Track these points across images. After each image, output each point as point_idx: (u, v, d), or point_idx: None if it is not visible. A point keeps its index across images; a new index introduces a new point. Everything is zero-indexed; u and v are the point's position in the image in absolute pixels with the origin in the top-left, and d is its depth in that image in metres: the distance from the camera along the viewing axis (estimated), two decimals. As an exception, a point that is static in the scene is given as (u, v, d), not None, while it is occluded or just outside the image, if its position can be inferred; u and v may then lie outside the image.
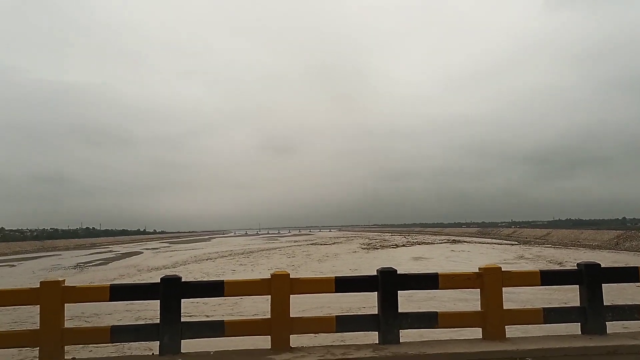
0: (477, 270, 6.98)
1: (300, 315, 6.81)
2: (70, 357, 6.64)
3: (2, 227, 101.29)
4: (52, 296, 6.20)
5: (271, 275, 6.62)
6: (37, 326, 6.23)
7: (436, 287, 6.90)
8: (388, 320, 6.63)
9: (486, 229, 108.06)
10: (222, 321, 6.62)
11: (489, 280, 6.80)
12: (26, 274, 31.44)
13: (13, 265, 40.64)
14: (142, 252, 58.59)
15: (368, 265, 28.74)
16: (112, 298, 6.44)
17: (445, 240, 68.06)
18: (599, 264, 7.05)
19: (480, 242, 62.69)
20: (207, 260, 40.71)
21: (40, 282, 6.25)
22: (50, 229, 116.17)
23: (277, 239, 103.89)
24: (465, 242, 64.08)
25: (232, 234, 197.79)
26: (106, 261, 43.40)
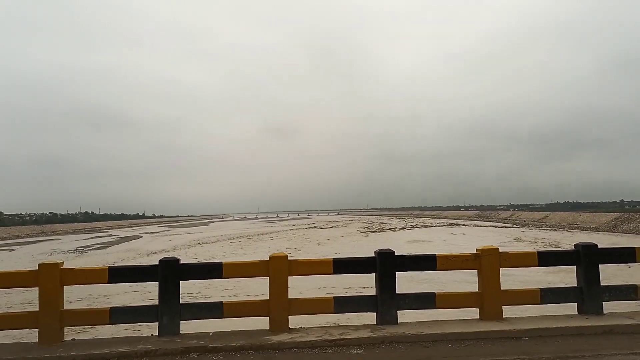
0: (475, 252, 7.01)
1: (299, 297, 6.85)
2: (70, 338, 6.69)
3: (0, 212, 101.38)
4: (50, 278, 6.22)
5: (269, 256, 6.65)
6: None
7: (434, 268, 6.93)
8: (386, 301, 6.68)
9: (484, 212, 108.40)
10: (221, 302, 6.66)
11: (487, 261, 6.83)
12: (25, 258, 31.50)
13: (12, 250, 40.70)
14: (142, 236, 58.69)
15: (367, 248, 28.80)
16: (111, 280, 6.47)
17: (444, 224, 68.24)
18: (596, 245, 7.08)
19: (478, 225, 62.86)
20: (206, 243, 40.82)
21: (39, 264, 6.26)
22: (49, 213, 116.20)
23: (276, 223, 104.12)
24: (463, 225, 64.26)
25: (231, 218, 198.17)
26: (106, 245, 43.50)
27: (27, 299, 13.33)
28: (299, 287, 10.53)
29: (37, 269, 6.26)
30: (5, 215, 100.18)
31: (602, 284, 7.02)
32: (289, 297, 6.62)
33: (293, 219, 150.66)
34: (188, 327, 6.61)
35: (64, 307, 6.44)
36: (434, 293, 6.88)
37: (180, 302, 6.49)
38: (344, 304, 6.80)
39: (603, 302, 6.96)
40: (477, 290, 6.99)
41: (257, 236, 50.01)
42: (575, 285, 7.16)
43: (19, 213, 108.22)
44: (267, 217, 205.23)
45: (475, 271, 7.05)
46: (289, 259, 6.65)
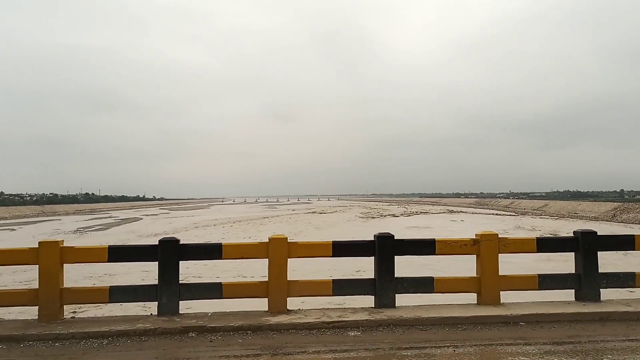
0: (474, 237, 7.03)
1: (298, 279, 6.88)
2: (70, 316, 6.73)
3: (1, 192, 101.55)
4: (50, 256, 6.24)
5: (269, 238, 6.66)
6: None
7: (433, 253, 6.95)
8: (384, 285, 6.71)
9: (484, 200, 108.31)
10: (220, 283, 6.69)
11: (485, 247, 6.85)
12: (26, 237, 31.56)
13: (13, 230, 40.80)
14: (142, 218, 58.76)
15: (367, 233, 28.84)
16: (111, 259, 6.50)
17: (443, 211, 68.31)
18: (595, 232, 7.10)
19: (478, 213, 62.94)
20: (207, 226, 40.89)
21: (39, 242, 6.29)
22: (50, 194, 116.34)
23: (276, 207, 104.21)
24: (463, 212, 64.32)
25: (231, 202, 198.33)
26: (106, 226, 43.59)
27: (31, 277, 13.38)
28: (302, 270, 10.56)
29: (37, 247, 6.28)
30: (6, 195, 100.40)
31: (600, 271, 7.06)
32: (288, 279, 6.65)
33: (293, 203, 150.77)
34: (186, 306, 6.66)
35: (64, 285, 6.48)
36: (432, 277, 6.90)
37: (180, 282, 6.53)
38: (342, 286, 6.83)
39: (601, 289, 7.00)
40: (475, 275, 7.02)
41: (257, 220, 50.08)
42: (573, 271, 7.18)
43: (19, 193, 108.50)
44: (267, 201, 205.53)
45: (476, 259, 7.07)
46: (288, 241, 6.67)
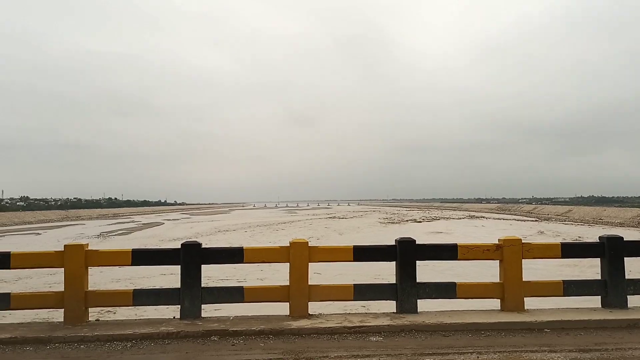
0: (497, 242, 6.94)
1: (319, 283, 6.87)
2: (94, 319, 6.82)
3: (27, 196, 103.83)
4: (75, 259, 6.34)
5: (290, 242, 6.67)
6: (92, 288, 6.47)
7: (455, 258, 6.87)
8: (406, 290, 6.66)
9: (506, 205, 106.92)
10: (242, 287, 6.72)
11: (509, 252, 6.76)
12: (51, 242, 32.13)
13: (38, 234, 41.61)
14: (164, 223, 59.40)
15: (388, 237, 28.67)
16: (134, 262, 6.57)
17: (465, 216, 67.70)
18: (622, 237, 6.95)
19: (500, 218, 62.20)
20: (227, 231, 41.17)
21: (65, 246, 6.39)
22: (74, 198, 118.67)
23: (296, 212, 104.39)
24: (484, 217, 63.67)
25: (251, 207, 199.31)
26: (128, 231, 44.16)
27: (60, 280, 13.61)
28: (323, 274, 10.55)
29: (62, 250, 6.39)
30: (32, 199, 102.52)
31: (627, 277, 6.92)
32: (309, 283, 6.65)
33: (313, 208, 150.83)
34: (209, 310, 6.69)
35: (89, 288, 6.58)
36: (455, 283, 6.83)
37: (202, 286, 6.57)
38: (364, 291, 6.79)
39: (628, 296, 6.85)
40: (498, 280, 6.93)
41: (277, 225, 50.24)
42: (599, 277, 7.05)
43: (44, 198, 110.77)
44: (287, 206, 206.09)
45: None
46: (309, 245, 6.67)
